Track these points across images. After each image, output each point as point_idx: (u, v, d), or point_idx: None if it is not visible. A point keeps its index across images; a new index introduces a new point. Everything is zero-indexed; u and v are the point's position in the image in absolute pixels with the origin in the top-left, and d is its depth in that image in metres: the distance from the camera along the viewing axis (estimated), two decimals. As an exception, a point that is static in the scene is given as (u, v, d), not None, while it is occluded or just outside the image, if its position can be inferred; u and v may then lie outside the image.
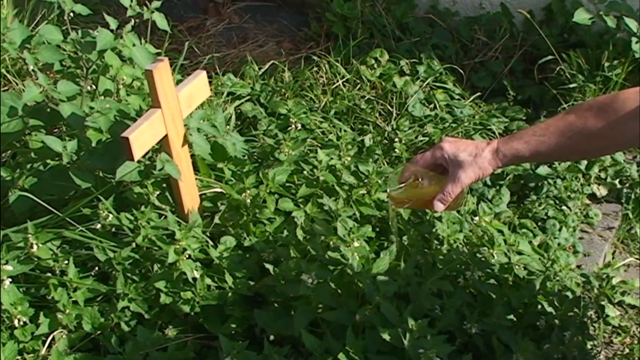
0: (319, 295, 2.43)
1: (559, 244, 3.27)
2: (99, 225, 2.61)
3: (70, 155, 2.52)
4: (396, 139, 3.68)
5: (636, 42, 3.98)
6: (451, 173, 2.15)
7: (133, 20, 2.56)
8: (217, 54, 4.47)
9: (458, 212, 3.03)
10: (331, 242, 2.63)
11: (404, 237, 2.80)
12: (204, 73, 2.72)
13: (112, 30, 2.56)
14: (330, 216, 2.76)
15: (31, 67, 2.58)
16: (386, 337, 2.30)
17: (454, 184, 2.14)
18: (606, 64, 4.05)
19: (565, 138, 2.04)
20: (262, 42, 4.75)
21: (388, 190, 2.30)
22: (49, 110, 2.62)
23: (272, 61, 4.24)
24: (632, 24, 3.99)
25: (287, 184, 2.96)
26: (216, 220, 2.79)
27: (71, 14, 2.66)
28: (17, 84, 3.41)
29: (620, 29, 4.05)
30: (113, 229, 2.65)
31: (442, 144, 2.18)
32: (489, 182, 3.53)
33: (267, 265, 2.58)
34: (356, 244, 2.59)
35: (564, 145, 2.05)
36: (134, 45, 2.63)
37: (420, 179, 2.22)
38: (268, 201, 2.78)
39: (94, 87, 2.77)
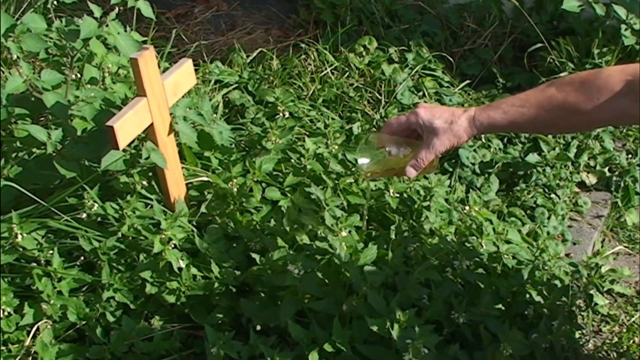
0: (305, 286, 2.41)
1: (548, 233, 3.27)
2: (84, 215, 2.59)
3: (55, 145, 2.50)
4: (385, 127, 3.66)
5: (625, 29, 3.97)
6: (425, 139, 2.13)
7: (117, 8, 2.53)
8: (205, 41, 4.46)
9: (446, 200, 3.02)
10: (319, 232, 2.62)
11: (392, 227, 2.79)
12: (190, 61, 2.70)
13: (96, 18, 2.54)
14: (317, 205, 2.75)
15: (15, 56, 2.55)
16: (373, 327, 2.28)
17: (427, 150, 2.12)
18: (596, 52, 4.05)
19: (545, 111, 2.02)
20: (250, 30, 4.74)
21: (358, 164, 2.26)
22: (33, 99, 2.60)
23: (260, 49, 4.22)
24: (620, 11, 3.99)
25: (275, 173, 2.94)
26: (203, 209, 2.77)
27: (55, 2, 2.64)
28: (2, 72, 3.39)
29: (610, 16, 4.04)
30: (99, 219, 2.63)
31: (417, 110, 2.15)
32: (477, 170, 3.52)
33: (254, 255, 2.56)
34: (344, 233, 2.58)
35: (542, 118, 2.04)
36: (118, 33, 2.61)
37: (387, 149, 2.20)
38: (254, 190, 2.76)
39: (79, 75, 2.74)
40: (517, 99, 2.08)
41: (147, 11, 2.61)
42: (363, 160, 2.25)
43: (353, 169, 2.94)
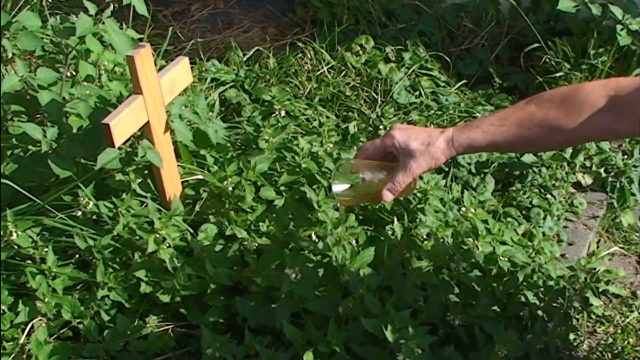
0: (302, 289, 2.40)
1: (543, 233, 3.26)
2: (79, 213, 2.59)
3: (50, 143, 2.50)
4: (381, 127, 3.64)
5: (621, 30, 3.97)
6: (402, 162, 2.09)
7: (112, 6, 2.52)
8: (201, 39, 4.45)
9: (442, 200, 3.02)
10: (313, 233, 2.61)
11: (387, 228, 2.78)
12: (186, 59, 2.70)
13: (91, 16, 2.53)
14: (311, 206, 2.74)
15: (10, 54, 2.55)
16: (369, 328, 2.28)
17: (405, 173, 2.07)
18: (592, 52, 4.04)
19: (525, 129, 1.98)
20: (247, 28, 4.73)
21: (333, 191, 2.22)
22: (28, 97, 2.59)
23: (256, 47, 4.22)
24: (617, 11, 3.98)
25: (270, 172, 2.94)
26: (198, 208, 2.77)
27: (49, 0, 2.64)
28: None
29: (606, 17, 4.04)
30: (94, 217, 2.63)
31: (392, 132, 2.11)
32: (473, 170, 3.52)
33: (247, 258, 2.56)
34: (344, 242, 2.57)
35: (522, 136, 1.99)
36: (114, 30, 2.60)
37: (361, 175, 2.16)
38: (247, 191, 2.75)
39: (74, 73, 2.74)
40: (495, 117, 2.04)
41: (142, 8, 2.59)
42: (337, 188, 2.18)
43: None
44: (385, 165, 2.16)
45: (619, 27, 3.98)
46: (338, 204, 2.45)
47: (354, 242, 2.61)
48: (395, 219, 2.79)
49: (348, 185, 2.16)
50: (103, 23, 2.53)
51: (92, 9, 2.52)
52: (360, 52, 4.17)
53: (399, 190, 2.10)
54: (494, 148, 2.13)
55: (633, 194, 3.66)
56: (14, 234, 2.45)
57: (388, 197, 2.11)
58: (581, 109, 1.91)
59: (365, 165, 2.17)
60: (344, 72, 4.04)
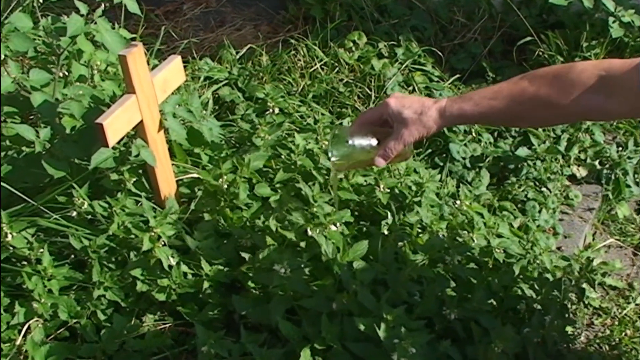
0: (293, 284, 2.40)
1: (538, 226, 3.27)
2: (74, 213, 2.59)
3: (44, 144, 2.50)
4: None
5: (613, 22, 3.97)
6: (395, 130, 2.13)
7: (103, 5, 2.52)
8: (194, 38, 4.45)
9: (437, 195, 3.02)
10: (308, 229, 2.61)
11: (383, 223, 2.78)
12: (179, 58, 2.70)
13: (82, 16, 2.53)
14: (307, 202, 2.74)
15: (2, 56, 2.54)
16: (361, 327, 2.28)
17: (396, 141, 2.12)
18: (585, 45, 4.04)
19: (516, 104, 2.02)
20: (239, 26, 4.72)
21: (330, 159, 2.26)
22: (21, 98, 2.59)
23: (249, 45, 4.21)
24: (609, 3, 3.99)
25: (265, 169, 2.94)
26: (193, 206, 2.76)
27: (40, 0, 2.64)
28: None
29: (598, 9, 4.04)
30: (89, 217, 2.63)
31: (388, 100, 2.14)
32: (468, 165, 3.52)
33: (243, 254, 2.56)
34: (333, 227, 2.57)
35: (513, 111, 2.03)
36: (105, 30, 2.60)
37: (356, 141, 2.19)
38: (241, 188, 2.74)
39: (67, 73, 2.73)
40: (489, 90, 2.08)
41: (133, 7, 2.59)
42: (333, 153, 2.23)
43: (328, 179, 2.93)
44: (379, 132, 2.19)
45: (611, 19, 3.99)
46: (332, 169, 2.49)
47: (337, 226, 2.61)
48: (389, 213, 2.79)
49: (343, 151, 2.19)
50: (95, 23, 2.52)
51: (83, 8, 2.52)
52: (353, 48, 4.16)
53: (390, 156, 2.14)
54: (484, 120, 2.19)
55: (628, 186, 3.67)
56: (9, 236, 2.45)
57: (380, 163, 2.16)
58: (572, 87, 1.94)
59: (360, 131, 2.20)
60: (337, 69, 4.03)
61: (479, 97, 2.07)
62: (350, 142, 2.17)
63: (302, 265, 2.47)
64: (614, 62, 1.94)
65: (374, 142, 2.18)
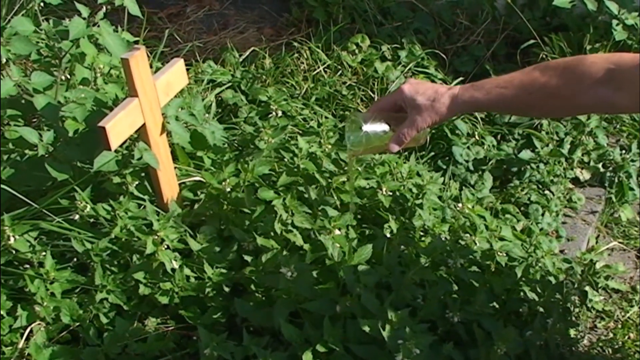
0: (299, 287, 2.40)
1: (541, 229, 3.26)
2: (76, 216, 2.59)
3: (47, 147, 2.50)
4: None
5: (617, 25, 3.97)
6: (409, 116, 2.16)
7: (104, 8, 2.52)
8: (197, 41, 4.45)
9: (440, 198, 3.02)
10: (312, 232, 2.61)
11: (385, 226, 2.78)
12: (182, 61, 2.70)
13: (84, 19, 2.53)
14: (310, 205, 2.74)
15: (4, 60, 2.55)
16: (365, 328, 2.28)
17: (410, 127, 2.15)
18: (588, 47, 4.04)
19: (527, 93, 2.04)
20: (242, 29, 4.73)
21: (347, 146, 2.29)
22: (23, 101, 2.59)
23: (252, 48, 4.21)
24: (612, 6, 3.99)
25: (268, 172, 2.93)
26: (196, 209, 2.76)
27: (42, 4, 2.64)
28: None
29: (602, 12, 4.04)
30: (91, 220, 2.63)
31: (402, 86, 2.18)
32: (471, 167, 3.52)
33: (246, 257, 2.56)
34: (337, 232, 2.57)
35: (524, 100, 2.06)
36: (108, 33, 2.60)
37: (371, 126, 2.22)
38: (246, 193, 2.74)
39: (68, 76, 2.73)
40: (501, 79, 2.10)
41: (134, 9, 2.59)
42: (349, 139, 2.26)
43: (346, 168, 2.93)
44: (394, 117, 2.23)
45: (614, 22, 3.99)
46: (349, 154, 2.51)
47: (342, 231, 2.61)
48: (391, 217, 2.79)
49: (359, 137, 2.22)
50: (97, 26, 2.53)
51: (84, 11, 2.52)
52: (357, 51, 4.17)
53: (404, 142, 2.17)
54: (495, 108, 2.29)
55: (631, 189, 3.66)
56: (12, 239, 2.44)
57: (394, 148, 2.19)
58: (581, 79, 1.96)
59: (375, 117, 2.23)
60: (340, 72, 4.03)
61: (490, 86, 2.10)
62: (365, 128, 2.20)
63: (309, 269, 2.47)
64: (625, 55, 1.95)
65: (388, 128, 2.21)
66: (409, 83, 2.19)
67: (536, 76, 2.04)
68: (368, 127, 2.20)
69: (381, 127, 2.22)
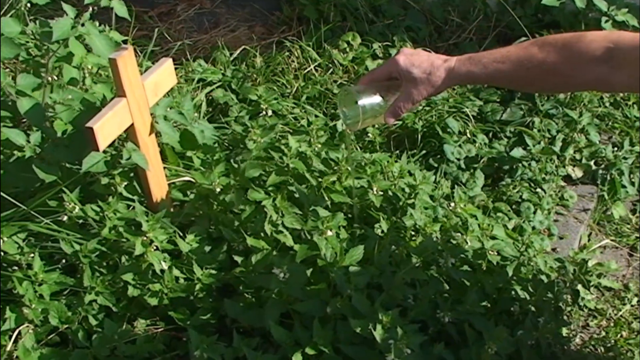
0: (290, 288, 2.39)
1: (533, 227, 3.25)
2: (65, 218, 2.58)
3: (34, 148, 2.49)
4: (369, 124, 3.63)
5: (606, 22, 3.97)
6: (404, 88, 2.16)
7: (91, 8, 2.51)
8: (188, 39, 4.44)
9: (432, 197, 3.01)
10: (302, 232, 2.60)
11: (376, 226, 2.77)
12: (170, 60, 2.69)
13: (72, 19, 2.52)
14: (301, 205, 2.73)
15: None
16: (356, 329, 2.27)
17: (406, 100, 2.16)
18: (580, 44, 4.03)
19: (524, 69, 2.04)
20: (233, 27, 4.71)
21: (342, 121, 2.27)
22: (10, 103, 2.58)
23: (243, 46, 4.20)
24: (600, 3, 3.99)
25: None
26: (185, 210, 2.75)
27: (29, 4, 2.63)
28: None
29: (592, 9, 4.04)
30: (80, 221, 2.62)
31: (397, 57, 2.17)
32: (462, 166, 3.51)
33: (236, 257, 2.55)
34: (329, 233, 2.56)
35: (520, 75, 2.06)
36: (94, 34, 2.58)
37: (366, 99, 2.20)
38: (236, 194, 2.73)
39: (56, 77, 2.72)
40: (498, 53, 2.09)
41: (122, 11, 2.58)
42: (345, 115, 2.26)
43: (336, 168, 2.92)
44: (386, 85, 2.23)
45: (604, 19, 3.98)
46: (345, 130, 2.50)
47: (333, 232, 2.60)
48: (382, 216, 2.78)
49: (354, 112, 2.21)
50: (83, 25, 2.51)
51: (70, 12, 2.51)
52: (348, 49, 4.16)
53: (400, 114, 2.19)
54: (491, 82, 2.33)
55: (624, 186, 3.66)
56: (0, 240, 2.44)
57: (390, 120, 2.21)
58: (580, 56, 1.96)
59: (369, 89, 2.23)
60: (331, 70, 4.02)
61: (487, 60, 2.09)
62: (360, 102, 2.19)
63: (301, 270, 2.46)
64: (624, 34, 1.95)
65: (382, 100, 2.21)
66: (403, 54, 2.17)
67: (534, 52, 2.03)
68: (364, 101, 2.19)
69: (376, 99, 2.20)
